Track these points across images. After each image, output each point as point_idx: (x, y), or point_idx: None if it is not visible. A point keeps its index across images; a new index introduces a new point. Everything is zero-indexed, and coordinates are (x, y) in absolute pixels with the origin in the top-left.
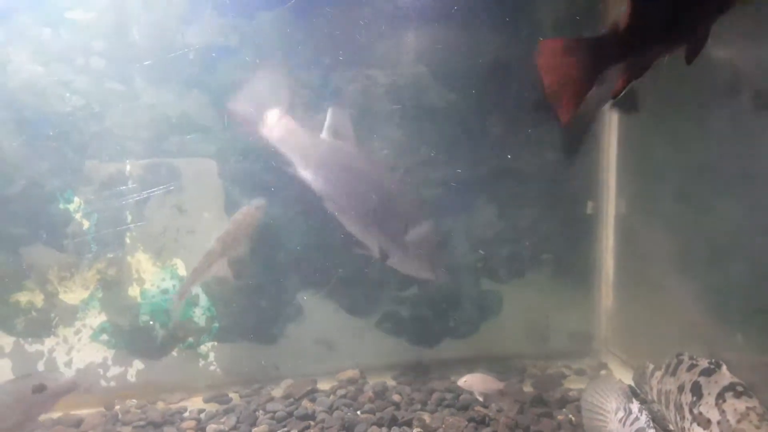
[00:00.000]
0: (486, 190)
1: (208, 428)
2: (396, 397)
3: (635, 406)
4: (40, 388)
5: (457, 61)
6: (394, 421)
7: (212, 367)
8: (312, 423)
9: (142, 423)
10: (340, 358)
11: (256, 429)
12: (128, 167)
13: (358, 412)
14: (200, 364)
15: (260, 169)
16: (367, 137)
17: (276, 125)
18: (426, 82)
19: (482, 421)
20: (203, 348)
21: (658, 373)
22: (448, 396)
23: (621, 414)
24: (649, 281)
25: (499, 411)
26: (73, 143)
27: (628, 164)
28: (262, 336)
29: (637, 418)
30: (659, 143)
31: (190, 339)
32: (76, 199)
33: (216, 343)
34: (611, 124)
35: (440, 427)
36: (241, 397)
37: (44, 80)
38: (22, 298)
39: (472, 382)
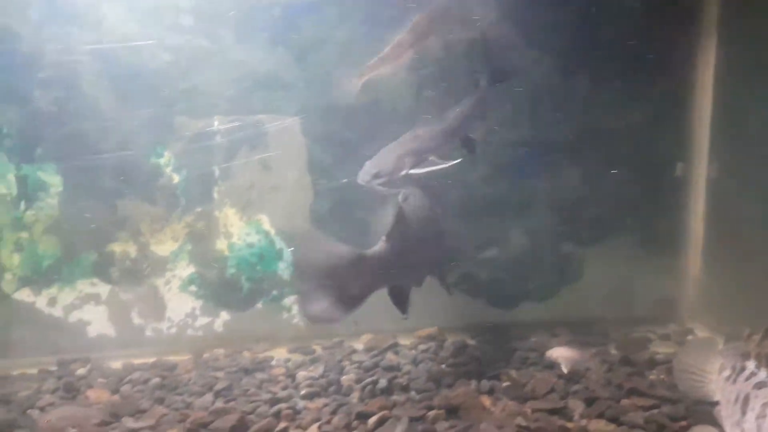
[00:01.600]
0: (569, 152)
1: (297, 375)
2: (479, 354)
3: (751, 363)
4: None
5: (541, 15)
6: (481, 375)
7: (295, 320)
8: (398, 373)
9: (234, 369)
10: (417, 317)
11: (344, 377)
12: (216, 123)
13: (443, 366)
14: (284, 317)
15: (342, 127)
16: (447, 98)
17: None
18: (508, 39)
19: (571, 379)
20: (286, 301)
21: (756, 337)
22: (532, 355)
23: (727, 372)
24: (741, 249)
25: (588, 370)
26: (163, 99)
27: (723, 126)
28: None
29: (753, 374)
30: (757, 106)
31: (275, 292)
32: (167, 154)
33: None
34: (705, 85)
35: (529, 382)
36: (323, 349)
37: (137, 37)
38: (117, 248)
39: (559, 354)
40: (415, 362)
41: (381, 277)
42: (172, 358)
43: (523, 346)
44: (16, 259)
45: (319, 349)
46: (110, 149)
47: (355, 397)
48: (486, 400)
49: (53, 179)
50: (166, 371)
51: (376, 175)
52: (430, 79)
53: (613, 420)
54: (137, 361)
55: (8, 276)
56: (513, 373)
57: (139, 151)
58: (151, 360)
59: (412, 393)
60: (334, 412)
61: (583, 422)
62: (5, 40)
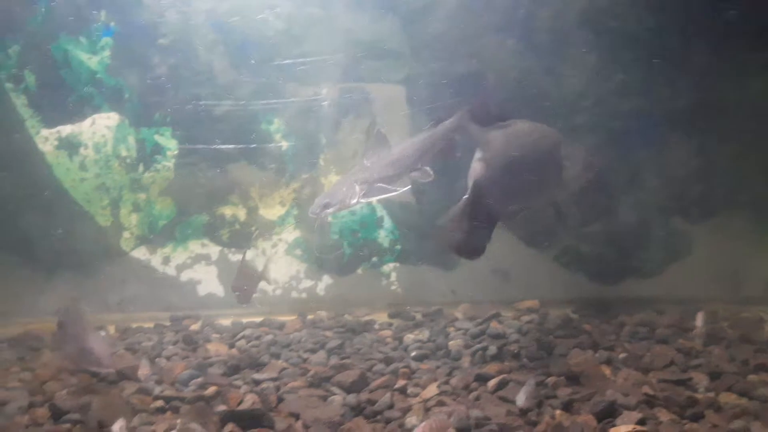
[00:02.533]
0: (683, 123)
1: (405, 337)
2: (587, 327)
3: None
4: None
5: None
6: (595, 346)
7: (393, 287)
8: (507, 341)
9: (341, 329)
10: (516, 289)
11: (451, 342)
12: (324, 91)
13: (551, 336)
14: (382, 283)
15: (446, 96)
16: (557, 64)
17: None
18: (624, 4)
19: (689, 353)
20: (386, 268)
21: None
22: (642, 330)
23: None
24: None
25: (706, 345)
26: (275, 66)
27: None
28: (441, 261)
29: None
30: None
31: (374, 258)
32: (276, 121)
33: (398, 264)
34: None
35: (646, 355)
36: (423, 315)
37: (251, 5)
38: (228, 211)
39: None
40: (521, 332)
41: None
42: (279, 318)
43: (630, 321)
44: (134, 218)
45: (419, 316)
46: (223, 115)
47: (465, 361)
48: (606, 370)
49: (169, 143)
50: (275, 329)
51: (326, 206)
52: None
53: (743, 394)
54: (245, 320)
55: (126, 234)
56: (627, 345)
57: (250, 118)
58: (259, 319)
59: (524, 360)
60: (449, 374)
61: (711, 395)
62: (128, 9)
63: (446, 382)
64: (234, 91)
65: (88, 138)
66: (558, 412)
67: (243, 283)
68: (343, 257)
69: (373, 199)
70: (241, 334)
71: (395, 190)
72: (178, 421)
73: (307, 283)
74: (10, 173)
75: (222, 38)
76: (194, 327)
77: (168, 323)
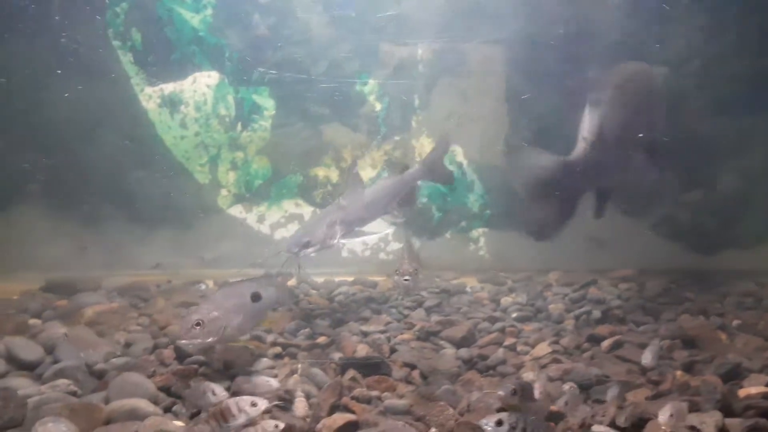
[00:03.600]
0: None
1: (502, 300)
2: (689, 294)
3: None
4: (256, 297)
5: None
6: (704, 313)
7: (481, 252)
8: (610, 307)
9: (435, 290)
10: (611, 257)
11: (552, 306)
12: (420, 51)
13: (655, 303)
14: (470, 248)
15: (545, 57)
16: (662, 25)
17: None
18: None
19: None
20: (474, 233)
21: None
22: (747, 300)
23: None
24: None
25: None
26: (371, 26)
27: None
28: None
29: None
30: None
31: (463, 223)
32: (371, 82)
33: (486, 230)
34: None
35: (759, 323)
36: (513, 281)
37: None
38: (320, 172)
39: None
40: (622, 298)
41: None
42: (372, 278)
43: (733, 291)
44: (232, 177)
45: (509, 282)
46: (319, 75)
47: (569, 324)
48: (721, 335)
49: (267, 102)
50: (369, 288)
51: (306, 245)
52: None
53: None
54: (337, 279)
55: (224, 192)
56: (738, 313)
57: (345, 78)
58: (350, 278)
59: (630, 324)
60: (557, 334)
61: None
62: None
63: (556, 342)
64: (330, 52)
65: (189, 96)
66: (678, 372)
67: (410, 268)
68: (433, 221)
69: (349, 240)
70: (338, 290)
71: (374, 233)
72: (299, 365)
73: (396, 246)
74: (117, 130)
75: None
76: (290, 283)
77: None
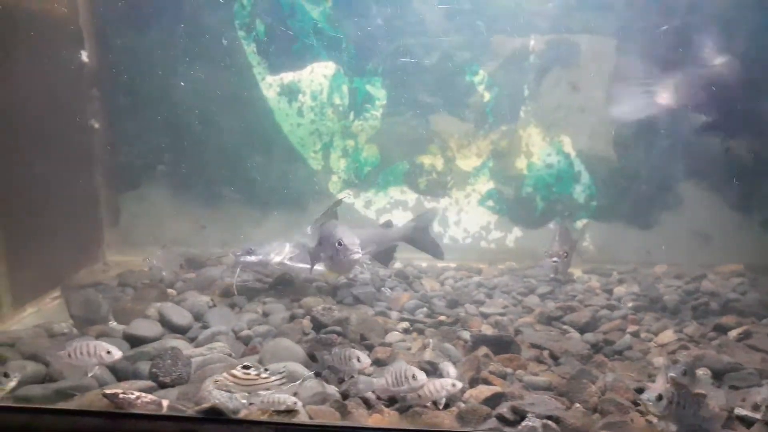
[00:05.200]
0: None
1: (615, 290)
2: None
3: None
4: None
5: None
6: None
7: (585, 243)
8: (728, 299)
9: (544, 278)
10: (716, 252)
11: (667, 297)
12: (532, 42)
13: None
14: (574, 238)
15: (659, 47)
16: None
17: None
18: None
19: None
20: (579, 224)
21: None
22: None
23: None
24: None
25: None
26: (485, 17)
27: None
28: (637, 220)
29: None
30: None
31: (567, 214)
32: (481, 72)
33: (591, 221)
34: None
35: None
36: (619, 273)
37: None
38: (426, 160)
39: None
40: (737, 291)
41: None
42: (474, 264)
43: None
44: (342, 163)
45: (615, 273)
46: (432, 65)
47: (687, 314)
48: None
49: (379, 92)
50: (474, 273)
51: (249, 252)
52: None
53: None
54: (440, 264)
55: (334, 178)
56: None
57: (455, 69)
58: (453, 264)
59: (752, 317)
60: (679, 323)
61: None
62: None
63: (679, 330)
64: (442, 43)
65: (307, 85)
66: None
67: (560, 251)
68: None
69: (289, 264)
70: (445, 275)
71: (310, 268)
72: (430, 340)
73: (497, 234)
74: (239, 117)
75: None
76: (396, 265)
77: (368, 261)
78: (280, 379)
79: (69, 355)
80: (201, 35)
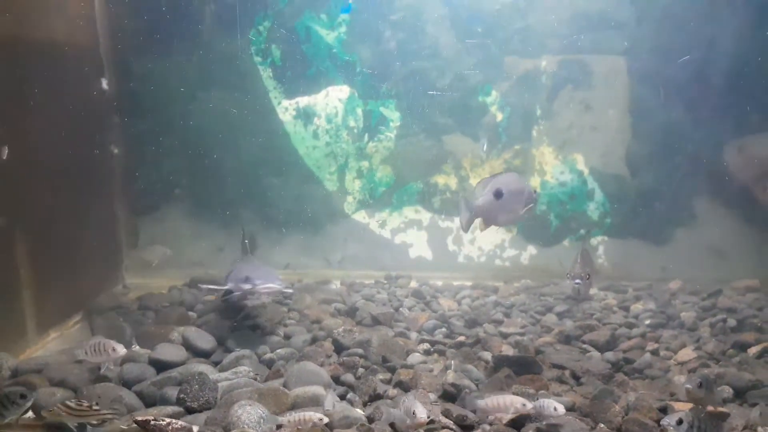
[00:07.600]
0: None
1: (632, 307)
2: None
3: None
4: None
5: None
6: None
7: (600, 260)
8: (745, 315)
9: (560, 296)
10: (732, 267)
11: (684, 314)
12: (544, 63)
13: None
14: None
15: (669, 66)
16: None
17: None
18: None
19: None
20: (593, 241)
21: None
22: None
23: None
24: None
25: None
26: (497, 39)
27: None
28: (651, 236)
29: None
30: None
31: (582, 231)
32: (494, 93)
33: (606, 238)
34: None
35: None
36: (634, 290)
37: None
38: (440, 180)
39: None
40: (754, 307)
41: None
42: (488, 283)
43: None
44: (357, 184)
45: (630, 290)
46: (444, 87)
47: (704, 331)
48: None
49: (393, 114)
50: (490, 292)
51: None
52: None
53: None
54: (455, 282)
55: (349, 199)
56: None
57: (468, 90)
58: (468, 283)
59: None
60: (698, 341)
61: None
62: None
63: (698, 348)
64: (456, 65)
65: (322, 109)
66: None
67: (582, 272)
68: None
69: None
70: (461, 294)
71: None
72: (452, 362)
73: (512, 252)
74: (256, 140)
75: (449, 13)
76: (413, 284)
77: (384, 281)
78: (113, 412)
79: (86, 353)
80: (218, 62)
